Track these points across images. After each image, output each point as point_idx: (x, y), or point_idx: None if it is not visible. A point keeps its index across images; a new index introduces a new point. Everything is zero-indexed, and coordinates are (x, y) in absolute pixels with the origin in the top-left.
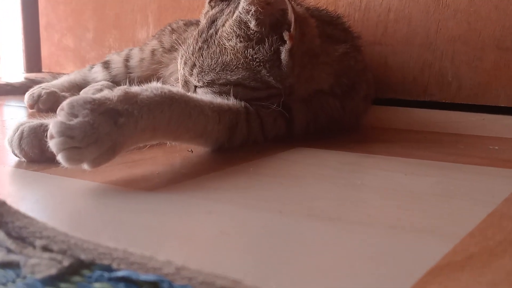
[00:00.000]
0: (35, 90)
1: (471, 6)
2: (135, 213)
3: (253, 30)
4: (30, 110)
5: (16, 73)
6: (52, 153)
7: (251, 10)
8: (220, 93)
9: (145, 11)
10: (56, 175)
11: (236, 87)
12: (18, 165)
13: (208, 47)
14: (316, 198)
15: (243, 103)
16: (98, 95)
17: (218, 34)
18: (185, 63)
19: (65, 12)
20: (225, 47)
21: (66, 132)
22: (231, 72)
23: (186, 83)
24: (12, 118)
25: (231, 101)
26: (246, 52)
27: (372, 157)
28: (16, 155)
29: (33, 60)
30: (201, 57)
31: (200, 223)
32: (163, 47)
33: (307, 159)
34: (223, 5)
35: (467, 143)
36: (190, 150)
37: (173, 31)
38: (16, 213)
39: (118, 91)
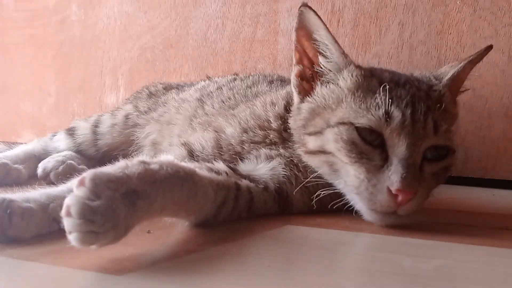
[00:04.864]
0: None
1: (476, 70)
2: None
3: None
4: None
5: None
6: (15, 232)
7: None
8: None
9: (115, 74)
10: (13, 258)
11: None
12: None
13: (437, 105)
14: (307, 284)
15: (233, 179)
16: (118, 170)
17: (441, 94)
18: (415, 123)
19: (24, 74)
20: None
21: (87, 215)
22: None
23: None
24: None
25: (222, 177)
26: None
27: (369, 236)
28: None
29: None
30: (441, 114)
31: None
32: (138, 111)
33: (297, 239)
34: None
35: (476, 221)
36: (148, 231)
37: (151, 95)
38: None
39: (139, 166)
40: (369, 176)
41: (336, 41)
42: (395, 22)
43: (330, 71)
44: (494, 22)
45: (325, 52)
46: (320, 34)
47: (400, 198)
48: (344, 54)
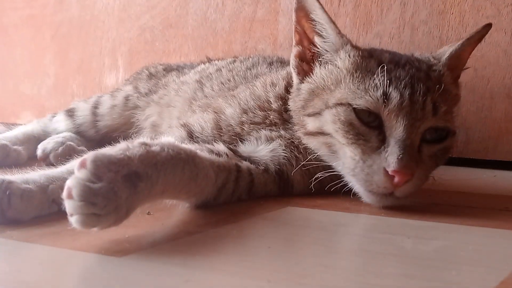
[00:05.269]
0: None
1: (478, 51)
2: (101, 282)
3: None
4: None
5: None
6: (14, 214)
7: None
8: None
9: (114, 55)
10: (13, 239)
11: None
12: None
13: (437, 86)
14: (308, 265)
15: (234, 161)
16: (119, 152)
17: (441, 75)
18: (413, 103)
19: (22, 55)
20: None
21: (89, 197)
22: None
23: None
24: None
25: (223, 159)
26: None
27: (369, 218)
28: None
29: None
30: (441, 95)
31: None
32: (139, 93)
33: (297, 220)
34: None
35: (476, 202)
36: (148, 212)
37: (151, 76)
38: None
39: (140, 148)
40: (364, 157)
41: (332, 21)
42: (396, 1)
43: (327, 51)
44: (496, 1)
45: (321, 32)
46: (317, 14)
47: (396, 179)
48: (340, 34)
